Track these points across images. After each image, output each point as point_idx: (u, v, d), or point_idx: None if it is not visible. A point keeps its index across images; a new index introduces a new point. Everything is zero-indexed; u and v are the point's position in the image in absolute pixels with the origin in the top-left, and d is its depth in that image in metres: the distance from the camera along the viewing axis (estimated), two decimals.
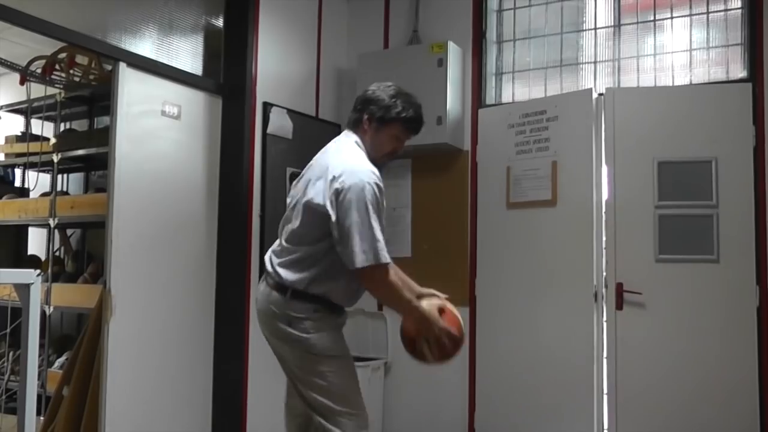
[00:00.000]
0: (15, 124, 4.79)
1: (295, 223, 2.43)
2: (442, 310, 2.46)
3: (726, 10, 3.79)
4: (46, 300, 3.72)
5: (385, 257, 2.31)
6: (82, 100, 4.32)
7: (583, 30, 4.18)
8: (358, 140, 2.51)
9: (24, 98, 4.28)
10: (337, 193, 2.31)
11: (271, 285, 2.45)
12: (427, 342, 2.44)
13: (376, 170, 2.41)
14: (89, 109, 4.50)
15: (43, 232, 4.51)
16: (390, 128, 2.50)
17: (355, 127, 2.54)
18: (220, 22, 3.92)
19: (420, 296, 2.48)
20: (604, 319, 3.70)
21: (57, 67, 3.97)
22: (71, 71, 3.95)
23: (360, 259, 2.28)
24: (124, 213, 3.26)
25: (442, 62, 4.05)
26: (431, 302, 2.47)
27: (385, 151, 2.53)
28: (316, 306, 2.41)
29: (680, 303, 3.58)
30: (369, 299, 2.81)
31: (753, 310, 3.48)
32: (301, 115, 4.15)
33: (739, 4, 3.74)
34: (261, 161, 3.86)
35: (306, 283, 2.39)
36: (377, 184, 2.35)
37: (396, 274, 2.39)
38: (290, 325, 2.39)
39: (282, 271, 2.41)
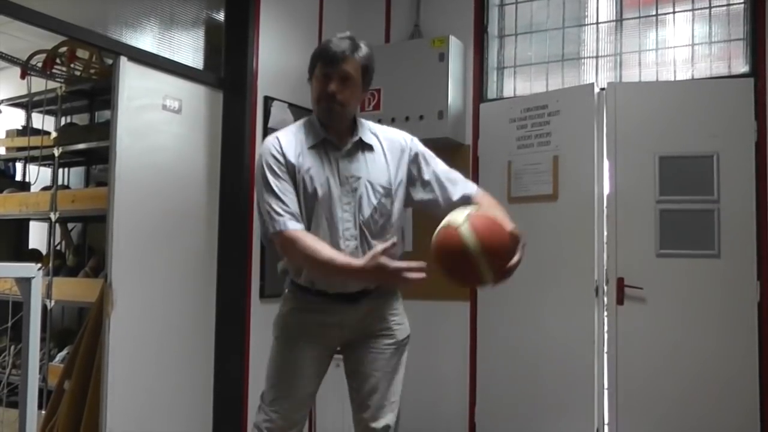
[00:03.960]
0: (16, 118, 4.79)
1: None
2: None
3: (728, 5, 3.78)
4: (47, 294, 3.73)
5: (277, 226, 2.09)
6: (82, 94, 4.32)
7: (584, 24, 4.16)
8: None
9: (25, 92, 4.29)
10: None
11: None
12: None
13: (283, 133, 2.24)
14: (90, 103, 4.51)
15: (44, 226, 4.51)
16: (313, 76, 2.23)
17: None
18: (221, 16, 3.91)
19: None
20: (605, 313, 3.70)
21: (58, 61, 3.98)
22: (72, 65, 3.95)
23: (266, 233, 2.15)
24: (125, 207, 3.26)
25: (443, 57, 4.03)
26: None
27: (314, 100, 2.22)
28: (287, 284, 2.35)
29: (681, 298, 3.58)
30: None
31: (754, 306, 3.48)
32: (302, 109, 4.14)
33: None
34: None
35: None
36: (268, 152, 2.17)
37: (305, 242, 2.09)
38: None
39: None
